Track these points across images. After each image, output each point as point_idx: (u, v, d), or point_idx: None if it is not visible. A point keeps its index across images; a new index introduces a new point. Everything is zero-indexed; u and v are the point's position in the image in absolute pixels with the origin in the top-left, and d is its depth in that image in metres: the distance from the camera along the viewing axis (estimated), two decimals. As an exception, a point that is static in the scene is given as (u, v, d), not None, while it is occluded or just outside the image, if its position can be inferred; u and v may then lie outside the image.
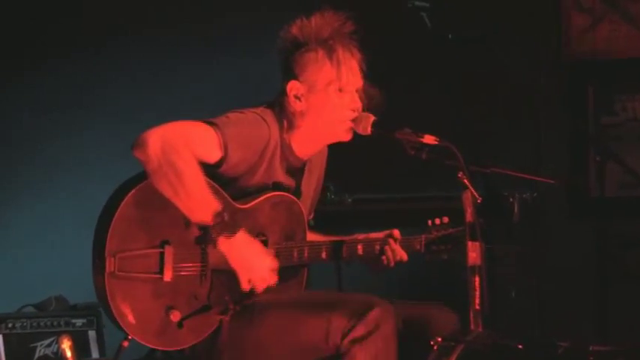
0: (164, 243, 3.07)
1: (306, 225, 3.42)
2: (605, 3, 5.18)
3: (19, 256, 5.19)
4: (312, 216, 3.60)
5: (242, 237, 3.10)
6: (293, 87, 3.29)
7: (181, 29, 5.31)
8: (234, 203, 3.18)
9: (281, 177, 3.32)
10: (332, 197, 4.66)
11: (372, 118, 3.31)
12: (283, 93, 3.31)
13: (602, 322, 4.93)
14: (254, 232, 3.18)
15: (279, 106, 3.32)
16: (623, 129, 5.15)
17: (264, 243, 3.24)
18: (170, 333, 3.08)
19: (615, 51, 5.16)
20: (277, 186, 3.32)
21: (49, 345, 4.42)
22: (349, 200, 4.71)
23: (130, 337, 3.07)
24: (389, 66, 5.03)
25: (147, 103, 5.16)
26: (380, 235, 3.51)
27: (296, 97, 3.29)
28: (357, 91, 3.33)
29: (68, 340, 4.40)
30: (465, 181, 3.04)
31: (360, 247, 3.46)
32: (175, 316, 3.07)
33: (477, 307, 2.96)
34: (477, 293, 2.96)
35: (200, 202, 3.03)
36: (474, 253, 2.99)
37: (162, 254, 3.07)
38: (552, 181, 3.81)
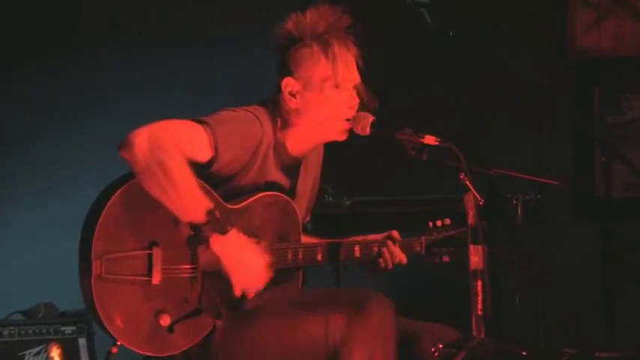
0: (152, 244, 3.05)
1: (301, 226, 3.40)
2: (611, -2, 5.19)
3: (6, 262, 5.18)
4: (308, 218, 3.59)
5: (235, 236, 3.07)
6: (288, 84, 3.28)
7: (180, 29, 5.36)
8: (225, 204, 3.16)
9: (275, 176, 3.31)
10: (330, 200, 4.65)
11: (371, 118, 3.29)
12: (278, 90, 3.30)
13: (609, 327, 4.92)
14: (246, 234, 3.14)
15: (273, 104, 3.31)
16: (629, 128, 5.15)
17: (257, 244, 3.20)
18: (160, 338, 3.05)
19: (621, 48, 5.17)
20: (271, 185, 3.30)
21: (37, 354, 4.38)
22: (347, 203, 4.69)
23: (118, 343, 3.04)
24: (388, 64, 5.04)
25: (143, 103, 5.17)
26: (379, 236, 3.49)
27: (291, 94, 3.28)
28: (354, 87, 3.31)
29: (57, 348, 4.41)
30: (467, 182, 3.02)
31: (357, 248, 3.44)
32: (165, 321, 3.04)
33: (480, 312, 2.94)
34: (480, 298, 2.94)
35: (191, 201, 3.01)
36: (476, 257, 2.98)
37: (150, 256, 3.05)
38: (557, 183, 3.78)
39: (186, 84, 5.29)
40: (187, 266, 3.10)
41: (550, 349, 4.21)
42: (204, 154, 3.10)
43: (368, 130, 3.28)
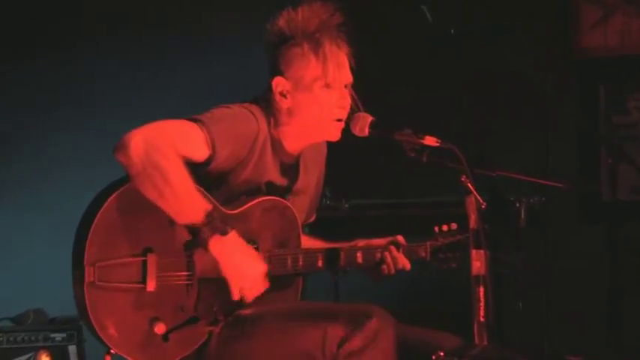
0: (147, 250, 3.06)
1: (301, 230, 3.41)
2: (618, -6, 5.20)
3: (-5, 267, 5.19)
4: (313, 217, 3.61)
5: (235, 238, 3.08)
6: (278, 83, 3.30)
7: (176, 28, 5.37)
8: (222, 209, 3.17)
9: (273, 174, 3.33)
10: (328, 203, 4.66)
11: (370, 118, 3.30)
12: (269, 89, 3.32)
13: (616, 333, 4.92)
14: (244, 239, 3.15)
15: (265, 102, 3.32)
16: (636, 129, 5.15)
17: (255, 250, 3.22)
18: (155, 346, 3.06)
19: (628, 46, 5.16)
20: (270, 186, 3.32)
21: (26, 361, 4.40)
22: (346, 206, 4.71)
23: (112, 351, 3.05)
24: (387, 62, 5.06)
25: (137, 103, 5.20)
26: (382, 241, 3.51)
27: (281, 94, 3.30)
28: (346, 87, 3.33)
29: (47, 355, 4.42)
30: (469, 185, 3.03)
31: (359, 254, 3.46)
32: (160, 329, 3.05)
33: (482, 319, 2.95)
34: (482, 304, 2.95)
35: (188, 202, 3.02)
36: (478, 262, 2.98)
37: (144, 262, 3.05)
38: (561, 185, 3.80)
39: (181, 83, 5.31)
40: (183, 273, 3.11)
41: (554, 356, 4.24)
42: (201, 153, 3.11)
43: (366, 131, 3.29)
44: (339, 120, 3.31)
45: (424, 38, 4.82)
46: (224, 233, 3.04)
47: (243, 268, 3.09)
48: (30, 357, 4.41)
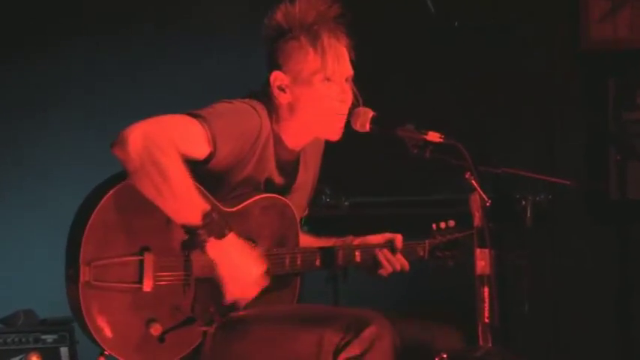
0: (144, 250, 3.07)
1: (299, 230, 3.43)
2: (628, -15, 5.20)
3: (-18, 267, 5.20)
4: (307, 212, 3.62)
5: (233, 240, 3.09)
6: (276, 78, 3.32)
7: (172, 24, 5.37)
8: (220, 206, 3.18)
9: (274, 171, 3.35)
10: (327, 201, 4.67)
11: (371, 113, 3.32)
12: (267, 84, 3.34)
13: (625, 337, 4.94)
14: (242, 238, 3.15)
15: (265, 97, 3.34)
16: (646, 125, 5.15)
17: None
18: (151, 348, 3.07)
19: (638, 39, 5.14)
20: (270, 183, 3.34)
21: (16, 364, 4.42)
22: (346, 204, 4.71)
23: (106, 353, 3.06)
24: (388, 56, 5.07)
25: (135, 99, 5.21)
26: (378, 238, 3.54)
27: (280, 88, 3.32)
28: (346, 80, 3.34)
29: (37, 357, 4.43)
30: (473, 182, 3.05)
31: (357, 253, 3.50)
32: (156, 330, 3.06)
33: (486, 320, 2.97)
34: (486, 305, 2.97)
35: (187, 202, 3.02)
36: (482, 261, 3.00)
37: (141, 262, 3.06)
38: (568, 183, 3.82)
39: (180, 81, 5.30)
40: (180, 273, 3.12)
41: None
42: (201, 150, 3.12)
43: (367, 126, 3.30)
44: (340, 114, 3.32)
45: (426, 31, 4.83)
46: (221, 236, 3.05)
47: (240, 271, 3.10)
48: (20, 359, 4.42)
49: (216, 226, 3.04)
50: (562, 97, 4.88)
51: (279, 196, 3.36)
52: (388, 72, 5.07)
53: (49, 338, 4.47)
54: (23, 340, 4.44)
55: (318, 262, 3.41)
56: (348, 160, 4.29)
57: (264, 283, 3.17)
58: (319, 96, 3.30)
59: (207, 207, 3.04)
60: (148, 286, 3.07)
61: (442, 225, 3.60)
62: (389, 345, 3.12)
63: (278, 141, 3.35)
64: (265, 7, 3.34)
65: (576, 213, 5.10)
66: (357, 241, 3.55)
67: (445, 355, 3.03)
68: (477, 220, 3.02)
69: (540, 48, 5.04)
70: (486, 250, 3.00)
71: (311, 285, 3.60)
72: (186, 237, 3.06)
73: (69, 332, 4.47)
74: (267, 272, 3.19)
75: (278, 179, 3.38)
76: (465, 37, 4.90)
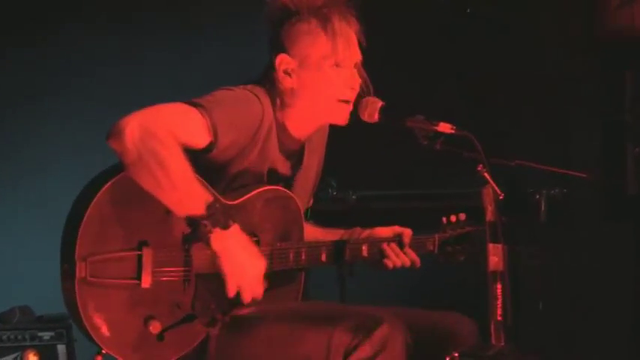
0: (142, 244, 3.05)
1: (303, 222, 3.41)
2: (647, -30, 5.17)
3: (-22, 263, 5.20)
4: (311, 202, 3.61)
5: (237, 232, 3.06)
6: (282, 61, 3.29)
7: (168, 11, 5.38)
8: (222, 199, 3.15)
9: (278, 161, 3.33)
10: (334, 194, 4.66)
11: (380, 103, 3.30)
12: (272, 68, 3.30)
13: (640, 335, 4.93)
14: (245, 232, 3.13)
15: (269, 83, 3.31)
16: (665, 116, 5.14)
17: (257, 243, 3.21)
18: (149, 346, 3.06)
19: (656, 29, 5.14)
20: (272, 173, 3.31)
21: (12, 361, 4.41)
22: (353, 197, 4.71)
23: (104, 352, 3.05)
24: (398, 45, 5.05)
25: (130, 88, 5.21)
26: (388, 231, 3.52)
27: (286, 72, 3.29)
28: (355, 66, 3.32)
29: (34, 355, 4.43)
30: (486, 175, 3.03)
31: (364, 247, 3.47)
32: (155, 328, 3.05)
33: (499, 318, 2.95)
34: (499, 303, 2.95)
35: (188, 193, 3.00)
36: (495, 257, 2.98)
37: (139, 257, 3.04)
38: (584, 176, 3.79)
39: (177, 68, 5.34)
40: (180, 268, 3.10)
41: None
42: (201, 140, 3.09)
43: (376, 116, 3.29)
44: (348, 102, 3.30)
45: (438, 19, 4.82)
46: (226, 227, 3.03)
47: (245, 266, 3.08)
48: (16, 357, 4.41)
49: (220, 216, 3.02)
50: (578, 89, 4.86)
51: (283, 189, 3.34)
52: (397, 61, 5.06)
53: (46, 335, 4.48)
54: (19, 337, 4.45)
55: (323, 257, 3.39)
56: (355, 152, 4.29)
57: (263, 283, 3.14)
58: (328, 82, 3.28)
59: (209, 197, 3.02)
60: (146, 282, 3.05)
61: (452, 218, 3.58)
62: (401, 345, 3.10)
63: (282, 129, 3.32)
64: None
65: (592, 208, 5.08)
66: (365, 233, 3.54)
67: (457, 354, 3.01)
68: (490, 215, 3.00)
69: (554, 37, 5.02)
70: (499, 246, 2.98)
71: (316, 280, 3.57)
72: (189, 229, 3.04)
73: (66, 329, 4.48)
74: (270, 267, 3.18)
75: (282, 169, 3.36)
76: (477, 26, 4.89)
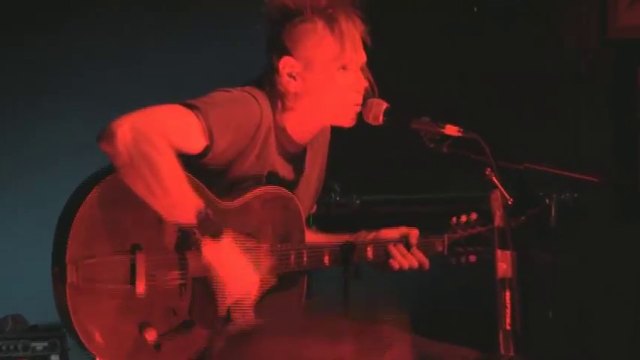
0: (135, 248, 3.03)
1: (304, 225, 3.39)
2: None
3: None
4: (314, 208, 3.59)
5: (229, 241, 3.05)
6: (287, 64, 3.26)
7: (165, 11, 5.37)
8: (218, 201, 3.15)
9: (278, 165, 3.31)
10: (337, 199, 4.66)
11: (385, 105, 3.28)
12: (273, 70, 3.27)
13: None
14: (243, 234, 3.15)
15: (269, 85, 3.28)
16: (679, 116, 5.14)
17: (256, 242, 3.21)
18: (145, 354, 3.03)
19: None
20: (273, 177, 3.29)
21: (4, 372, 4.40)
22: (357, 202, 4.70)
23: (97, 360, 3.04)
24: (403, 46, 5.04)
25: (124, 88, 5.20)
26: (394, 233, 3.49)
27: (290, 75, 3.26)
28: (360, 68, 3.29)
29: (27, 366, 4.41)
30: (494, 178, 3.00)
31: (369, 249, 3.45)
32: (151, 335, 3.02)
33: (508, 327, 2.93)
34: (508, 311, 2.93)
35: (179, 200, 2.98)
36: (504, 263, 2.96)
37: (133, 261, 3.02)
38: (596, 179, 3.77)
39: (175, 69, 5.32)
40: (175, 272, 3.08)
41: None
42: (197, 144, 3.08)
43: (381, 119, 3.27)
44: (355, 105, 3.28)
45: (444, 19, 4.81)
46: (217, 236, 3.01)
47: (239, 273, 3.08)
48: (8, 368, 4.41)
49: (211, 224, 3.00)
50: (589, 88, 4.85)
51: (282, 188, 3.31)
52: (403, 62, 5.05)
53: (39, 346, 4.50)
54: (11, 347, 4.46)
55: (326, 260, 3.38)
56: (359, 156, 4.28)
57: (262, 288, 3.14)
58: (336, 85, 3.26)
59: (200, 204, 3.00)
60: (140, 287, 3.02)
61: (463, 218, 3.56)
62: (407, 356, 3.04)
63: (282, 132, 3.30)
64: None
65: (604, 211, 5.08)
66: (371, 235, 3.52)
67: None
68: (498, 220, 2.98)
69: (565, 35, 5.01)
70: (508, 252, 2.96)
71: (319, 282, 3.55)
72: (179, 237, 3.04)
73: (60, 339, 4.49)
74: (272, 270, 3.18)
75: (282, 173, 3.33)
76: (485, 25, 4.89)
